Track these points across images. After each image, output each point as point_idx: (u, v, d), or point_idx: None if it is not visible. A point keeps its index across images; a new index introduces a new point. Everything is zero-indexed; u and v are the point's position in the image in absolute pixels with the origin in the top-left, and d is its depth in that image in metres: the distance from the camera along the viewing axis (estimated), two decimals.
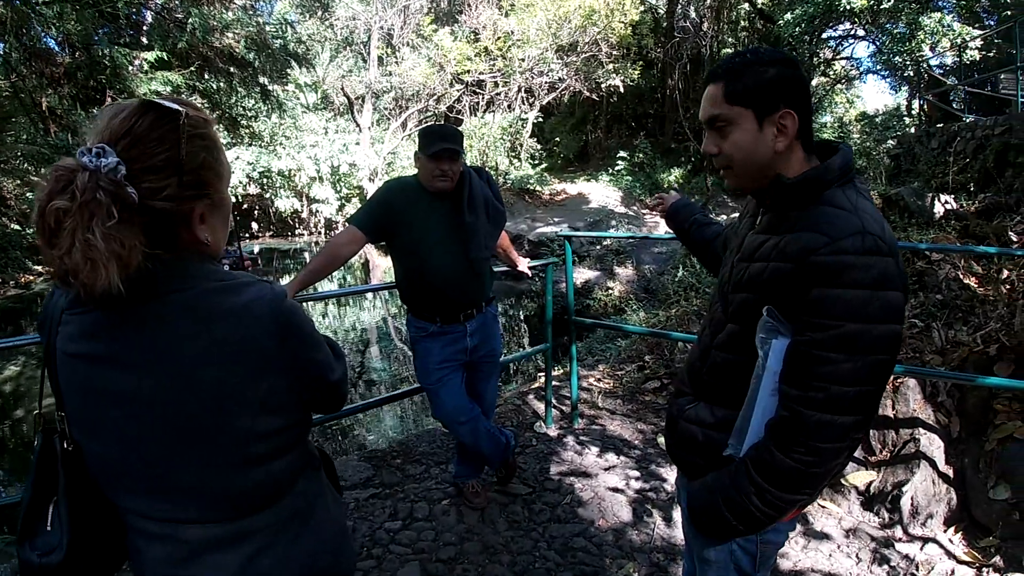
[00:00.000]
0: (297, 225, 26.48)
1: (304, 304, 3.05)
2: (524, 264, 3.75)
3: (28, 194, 16.69)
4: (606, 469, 3.95)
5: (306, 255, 23.29)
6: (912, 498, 3.24)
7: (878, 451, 3.55)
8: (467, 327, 3.14)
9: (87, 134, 1.03)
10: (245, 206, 25.59)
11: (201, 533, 1.12)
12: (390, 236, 3.03)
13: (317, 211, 25.65)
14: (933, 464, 3.31)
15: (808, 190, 1.35)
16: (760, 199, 1.52)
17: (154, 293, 1.02)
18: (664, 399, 5.08)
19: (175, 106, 1.04)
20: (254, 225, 26.54)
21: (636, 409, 4.95)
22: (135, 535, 1.16)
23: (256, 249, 24.29)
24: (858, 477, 3.44)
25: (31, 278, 16.94)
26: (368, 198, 3.08)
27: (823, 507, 3.45)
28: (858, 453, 3.55)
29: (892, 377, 3.55)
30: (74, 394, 1.10)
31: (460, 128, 18.34)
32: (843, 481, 3.46)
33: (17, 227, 16.57)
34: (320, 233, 26.06)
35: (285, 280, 17.68)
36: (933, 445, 3.37)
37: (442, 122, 27.23)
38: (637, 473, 3.90)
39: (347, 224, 3.02)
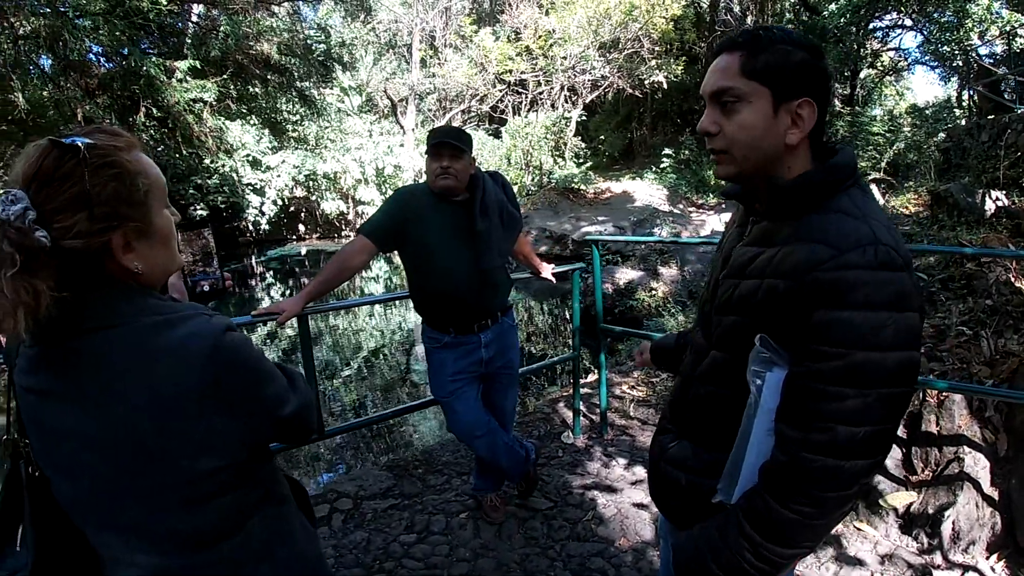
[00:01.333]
0: (343, 227, 26.67)
1: (319, 314, 3.02)
2: (548, 270, 3.64)
3: None
4: (632, 484, 3.80)
5: (352, 239, 23.44)
6: (954, 522, 3.01)
7: (919, 470, 3.32)
8: (482, 338, 3.05)
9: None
10: (292, 208, 25.88)
11: (157, 562, 1.10)
12: (400, 244, 2.96)
13: (363, 213, 25.76)
14: (977, 486, 3.07)
15: (809, 194, 1.17)
16: (749, 205, 1.34)
17: (82, 329, 1.01)
18: None
19: (77, 140, 1.01)
20: (301, 227, 26.82)
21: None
22: (102, 559, 1.16)
23: (303, 251, 24.60)
24: (897, 498, 3.22)
25: None
26: (379, 206, 3.02)
27: (859, 530, 3.24)
28: (899, 473, 3.34)
29: (937, 391, 3.34)
30: (30, 425, 1.11)
31: (503, 128, 18.40)
32: (881, 503, 3.24)
33: None
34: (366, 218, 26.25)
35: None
36: (978, 465, 3.12)
37: (485, 123, 27.46)
38: None
39: (357, 234, 2.96)
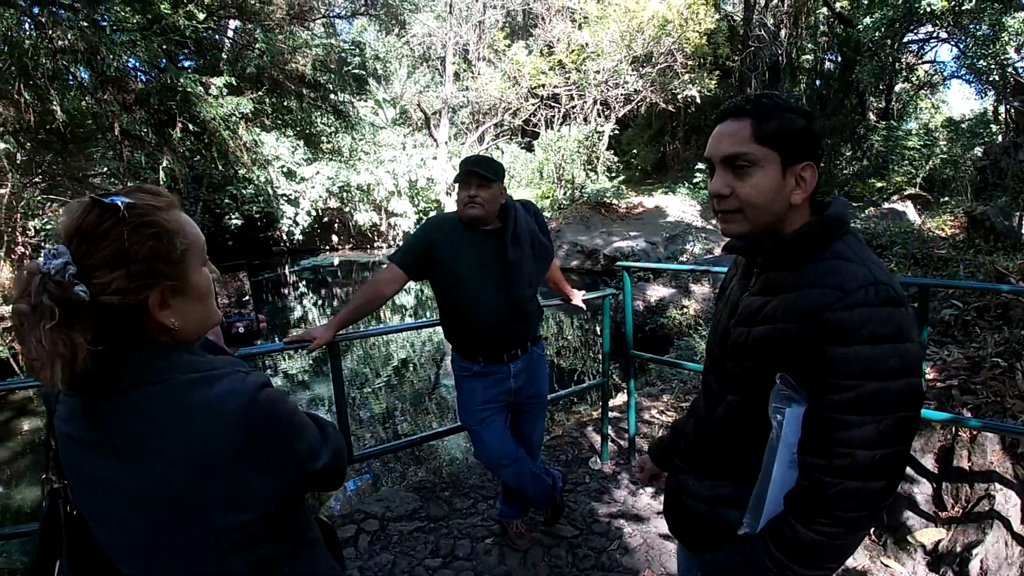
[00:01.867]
0: (376, 238, 26.95)
1: (349, 342, 3.06)
2: (579, 297, 3.64)
3: None
4: (659, 513, 3.77)
5: (384, 268, 23.65)
6: (982, 560, 2.94)
7: (950, 507, 3.25)
8: (511, 368, 3.05)
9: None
10: (325, 219, 26.22)
11: None
12: (431, 273, 2.98)
13: (395, 224, 26.06)
14: (1007, 524, 3.00)
15: (809, 245, 1.28)
16: (751, 258, 1.45)
17: (120, 387, 1.03)
18: None
19: (116, 199, 1.04)
20: (334, 238, 27.14)
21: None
22: None
23: (336, 261, 24.89)
24: (926, 535, 3.16)
25: None
26: (410, 234, 3.05)
27: (886, 566, 3.18)
28: (928, 509, 3.28)
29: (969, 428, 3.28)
30: (69, 471, 1.15)
31: (536, 142, 18.45)
32: (910, 539, 3.18)
33: None
34: (398, 246, 26.45)
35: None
36: (1009, 503, 3.05)
37: (517, 136, 27.57)
38: None
39: (388, 262, 2.99)
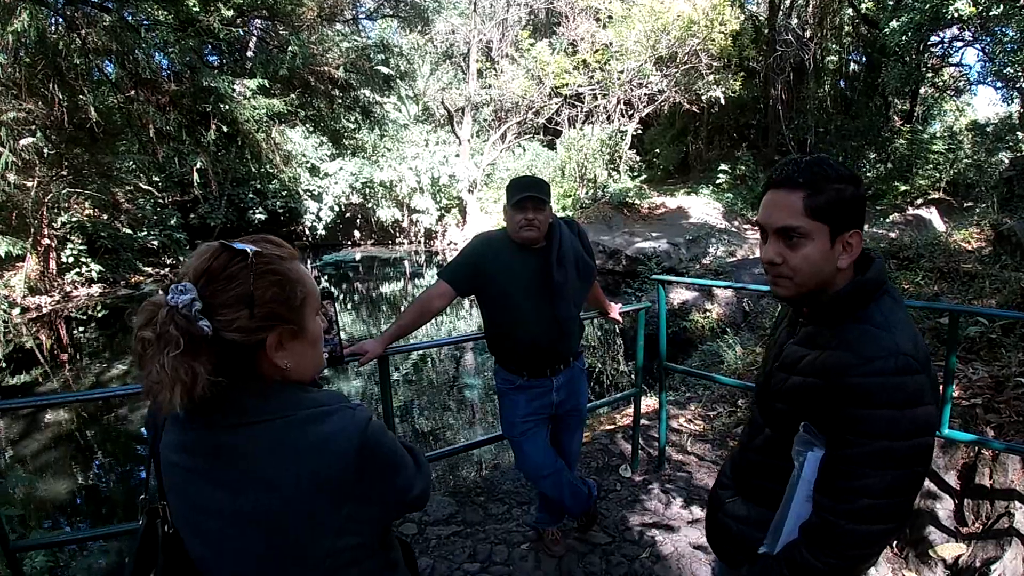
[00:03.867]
0: (398, 234, 27.11)
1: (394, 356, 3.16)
2: (616, 311, 3.73)
3: (139, 200, 17.88)
4: (690, 523, 3.87)
5: (406, 263, 23.84)
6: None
7: (970, 523, 3.33)
8: (553, 382, 3.15)
9: None
10: (348, 215, 26.43)
11: None
12: (479, 290, 3.08)
13: (417, 221, 26.20)
14: None
15: (849, 305, 1.40)
16: (797, 308, 1.57)
17: (238, 421, 1.13)
18: None
19: (245, 247, 1.14)
20: (356, 233, 27.35)
21: (726, 456, 4.82)
22: None
23: (358, 256, 25.11)
24: (947, 550, 3.23)
25: (140, 279, 18.05)
26: (459, 251, 3.15)
27: None
28: (950, 524, 3.35)
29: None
30: (174, 496, 1.24)
31: (558, 140, 18.44)
32: (931, 553, 3.26)
33: (128, 231, 17.79)
34: (420, 242, 26.60)
35: (385, 287, 18.07)
36: None
37: (539, 134, 27.56)
38: None
39: (437, 278, 3.09)
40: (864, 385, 1.29)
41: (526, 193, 2.89)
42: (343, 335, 2.02)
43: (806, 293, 1.46)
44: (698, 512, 3.98)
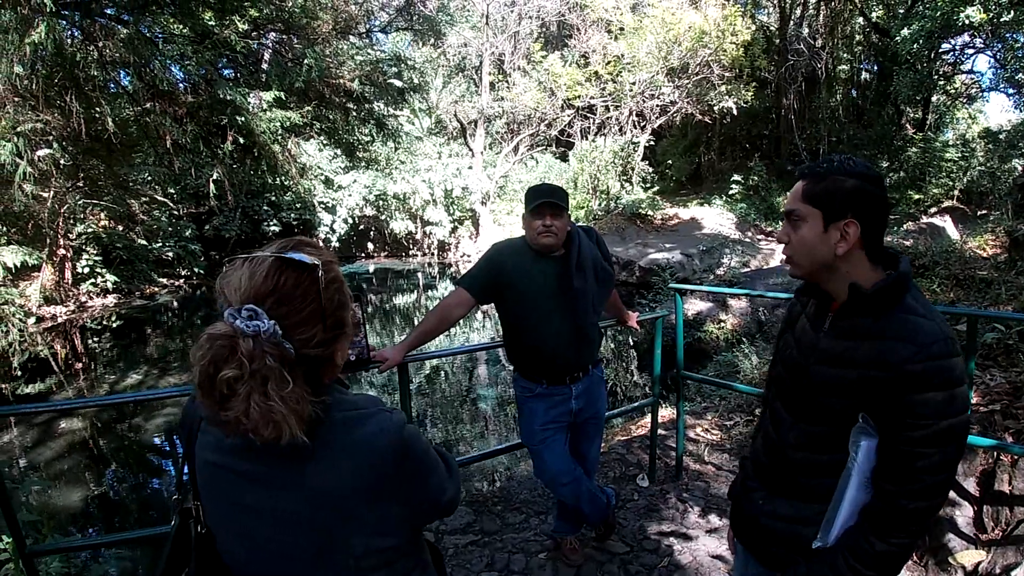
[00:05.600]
0: (411, 246, 27.20)
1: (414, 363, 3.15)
2: (634, 318, 3.72)
3: (155, 212, 18.00)
4: (707, 532, 3.84)
5: (419, 276, 23.90)
6: None
7: (990, 529, 3.29)
8: (572, 390, 3.14)
9: (221, 288, 1.11)
10: (361, 227, 26.54)
11: None
12: (498, 298, 3.08)
13: (430, 233, 26.27)
14: None
15: (886, 299, 1.46)
16: (823, 301, 1.64)
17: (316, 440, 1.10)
18: None
19: (309, 259, 1.12)
20: (370, 245, 27.45)
21: (742, 459, 4.76)
22: None
23: (371, 268, 25.18)
24: (966, 556, 3.19)
25: (155, 290, 18.23)
26: (478, 259, 3.15)
27: None
28: (969, 531, 3.31)
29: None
30: (210, 496, 1.23)
31: (571, 152, 18.46)
32: (951, 560, 3.22)
33: (144, 242, 17.96)
34: (433, 254, 26.67)
35: (399, 299, 18.09)
36: None
37: (552, 146, 27.62)
38: None
39: (456, 287, 3.10)
40: (926, 370, 1.36)
41: (544, 199, 2.90)
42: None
43: (815, 276, 1.59)
44: (716, 521, 3.95)
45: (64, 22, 8.87)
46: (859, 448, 1.46)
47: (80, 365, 11.88)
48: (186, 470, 1.34)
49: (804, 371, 1.61)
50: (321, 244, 1.26)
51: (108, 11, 9.64)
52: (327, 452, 1.11)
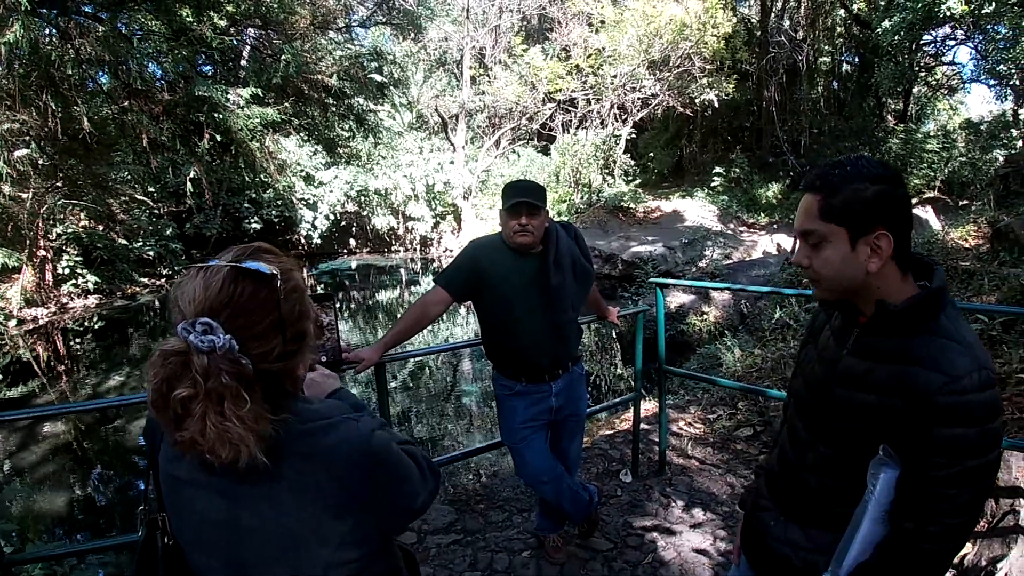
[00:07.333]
0: (393, 242, 27.07)
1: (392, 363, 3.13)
2: (614, 314, 3.72)
3: (135, 211, 17.83)
4: (692, 527, 3.85)
5: (402, 271, 23.82)
6: (1007, 573, 2.99)
7: None
8: (552, 387, 3.12)
9: (175, 299, 1.05)
10: (343, 223, 26.37)
11: None
12: (476, 296, 3.05)
13: (412, 228, 26.15)
14: None
15: (915, 317, 1.32)
16: (849, 315, 1.48)
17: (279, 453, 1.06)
18: (756, 449, 4.91)
19: (267, 268, 1.07)
20: (352, 241, 27.29)
21: (726, 459, 4.81)
22: None
23: (353, 264, 25.07)
24: None
25: (137, 290, 18.05)
26: (455, 257, 3.13)
27: None
28: None
29: None
30: (174, 508, 1.20)
31: (553, 145, 18.48)
32: None
33: (124, 242, 17.76)
34: (415, 250, 26.57)
35: (382, 295, 18.03)
36: None
37: (533, 140, 27.59)
38: (723, 533, 3.77)
39: (433, 285, 3.07)
40: (956, 404, 1.22)
41: (520, 199, 2.87)
42: (343, 341, 1.99)
43: (847, 297, 1.42)
44: (700, 516, 3.96)
45: (40, 20, 8.75)
46: (878, 480, 1.33)
47: (63, 367, 11.78)
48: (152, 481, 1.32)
49: (825, 391, 1.48)
50: (280, 251, 1.20)
51: (85, 8, 9.53)
52: (291, 465, 1.08)
